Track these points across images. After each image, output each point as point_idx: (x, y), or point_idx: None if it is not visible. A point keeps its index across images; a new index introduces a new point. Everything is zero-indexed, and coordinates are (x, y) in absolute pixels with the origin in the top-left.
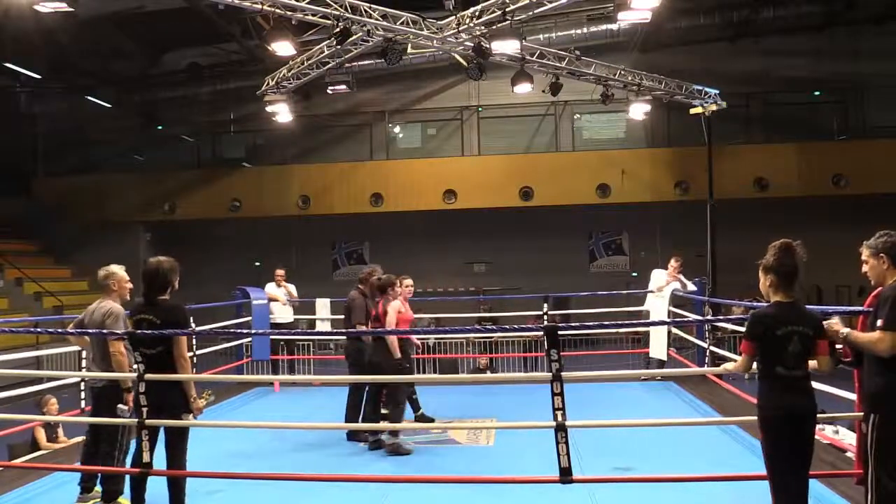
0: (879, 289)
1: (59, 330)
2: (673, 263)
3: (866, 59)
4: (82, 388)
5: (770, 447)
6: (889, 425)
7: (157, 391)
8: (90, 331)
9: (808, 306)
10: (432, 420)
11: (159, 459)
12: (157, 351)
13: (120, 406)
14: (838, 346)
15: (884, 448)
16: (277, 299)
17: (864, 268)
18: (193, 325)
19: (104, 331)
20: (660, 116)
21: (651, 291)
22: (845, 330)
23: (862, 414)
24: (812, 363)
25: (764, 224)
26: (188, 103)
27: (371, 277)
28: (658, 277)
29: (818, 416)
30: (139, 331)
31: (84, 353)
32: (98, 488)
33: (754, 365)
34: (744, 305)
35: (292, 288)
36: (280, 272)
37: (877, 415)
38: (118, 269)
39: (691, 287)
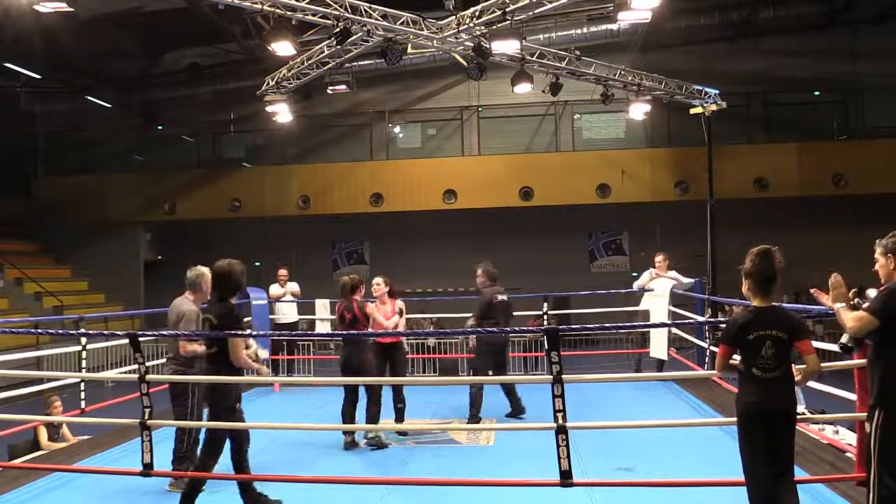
0: None
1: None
2: (659, 260)
3: (866, 59)
4: (82, 387)
5: (743, 441)
6: (893, 423)
7: (205, 390)
8: (167, 332)
9: (787, 305)
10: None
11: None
12: (213, 351)
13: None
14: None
15: (887, 446)
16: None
17: (876, 266)
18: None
19: (178, 332)
20: (660, 116)
21: (646, 291)
22: (837, 305)
23: (862, 414)
24: (801, 366)
25: (764, 224)
26: (188, 103)
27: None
28: (643, 277)
29: (817, 415)
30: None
31: (84, 354)
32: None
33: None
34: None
35: (296, 287)
36: (282, 272)
37: (882, 412)
38: (206, 271)
39: (687, 281)
